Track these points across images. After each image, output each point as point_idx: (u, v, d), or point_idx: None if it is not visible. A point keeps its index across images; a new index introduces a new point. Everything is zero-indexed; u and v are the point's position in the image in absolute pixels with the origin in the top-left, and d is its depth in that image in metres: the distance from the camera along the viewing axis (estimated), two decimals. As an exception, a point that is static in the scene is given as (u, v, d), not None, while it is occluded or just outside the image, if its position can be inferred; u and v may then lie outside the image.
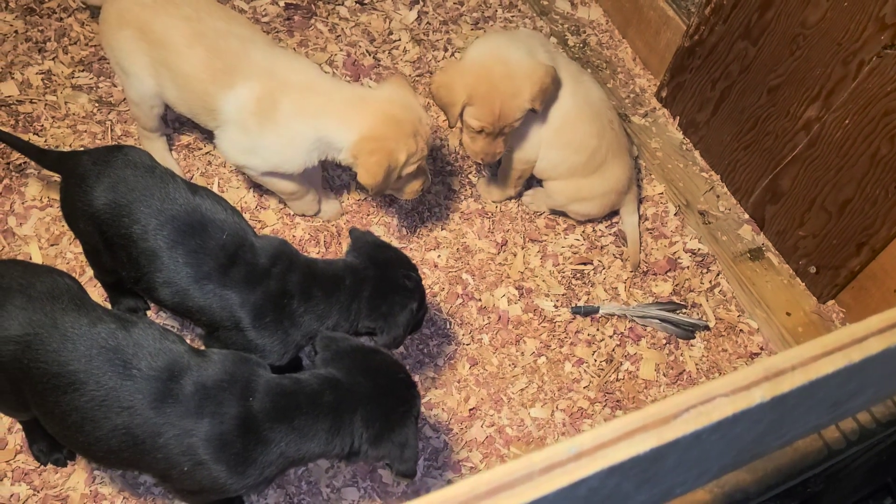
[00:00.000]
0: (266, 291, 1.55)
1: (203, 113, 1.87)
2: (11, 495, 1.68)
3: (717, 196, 2.40)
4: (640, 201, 2.35)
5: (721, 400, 0.75)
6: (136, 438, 1.32)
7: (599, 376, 2.03)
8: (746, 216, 2.37)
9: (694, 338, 2.14)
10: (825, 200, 2.11)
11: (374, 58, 2.50)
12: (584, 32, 2.74)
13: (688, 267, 2.26)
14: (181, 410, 1.32)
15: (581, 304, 2.13)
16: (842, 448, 1.24)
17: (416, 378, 1.94)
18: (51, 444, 1.70)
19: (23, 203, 2.03)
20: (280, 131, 1.82)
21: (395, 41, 2.56)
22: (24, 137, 2.12)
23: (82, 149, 2.11)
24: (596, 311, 2.11)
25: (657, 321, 2.11)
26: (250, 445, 1.33)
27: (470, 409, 1.93)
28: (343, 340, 1.47)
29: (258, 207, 2.13)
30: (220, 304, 1.54)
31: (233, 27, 1.84)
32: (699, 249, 2.29)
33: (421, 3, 2.67)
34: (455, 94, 1.93)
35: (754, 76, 2.22)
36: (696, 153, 2.49)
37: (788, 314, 2.19)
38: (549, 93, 1.99)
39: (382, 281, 1.60)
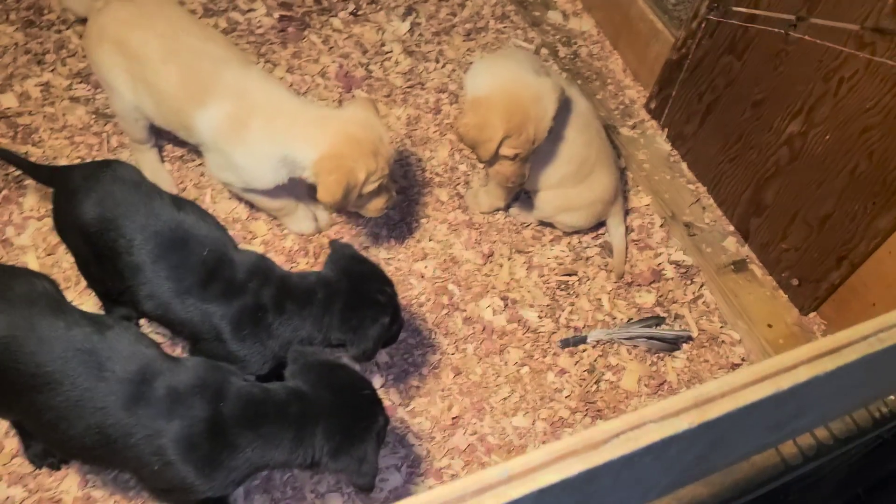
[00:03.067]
0: (243, 305, 1.61)
1: (180, 129, 1.95)
2: (7, 497, 1.73)
3: (703, 208, 2.43)
4: (627, 213, 2.39)
5: (651, 426, 0.79)
6: (108, 438, 1.38)
7: (581, 386, 2.07)
8: (731, 228, 2.40)
9: (680, 349, 2.17)
10: (807, 214, 2.14)
11: (366, 69, 2.55)
12: (576, 43, 2.78)
13: (672, 278, 2.30)
14: (152, 412, 1.38)
15: (569, 335, 2.15)
16: (798, 463, 1.27)
17: (401, 386, 1.99)
18: (45, 449, 1.76)
19: (21, 213, 2.08)
20: (249, 151, 1.89)
21: (387, 52, 2.60)
22: (24, 149, 2.19)
23: (79, 160, 2.18)
24: (584, 340, 2.14)
25: (643, 339, 2.15)
26: (218, 449, 1.39)
27: (453, 418, 1.97)
28: (311, 355, 1.53)
29: (249, 219, 2.19)
30: (201, 317, 1.60)
31: (207, 46, 1.90)
32: (683, 261, 2.33)
33: (414, 14, 2.72)
34: (492, 131, 1.93)
35: (739, 90, 2.26)
36: (684, 165, 2.52)
37: (770, 326, 2.22)
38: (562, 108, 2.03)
39: (355, 295, 1.65)
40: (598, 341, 2.14)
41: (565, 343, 2.13)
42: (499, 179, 2.09)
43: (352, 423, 1.46)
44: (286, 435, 1.43)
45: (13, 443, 1.79)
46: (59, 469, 1.77)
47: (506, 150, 1.98)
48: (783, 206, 2.22)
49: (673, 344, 2.15)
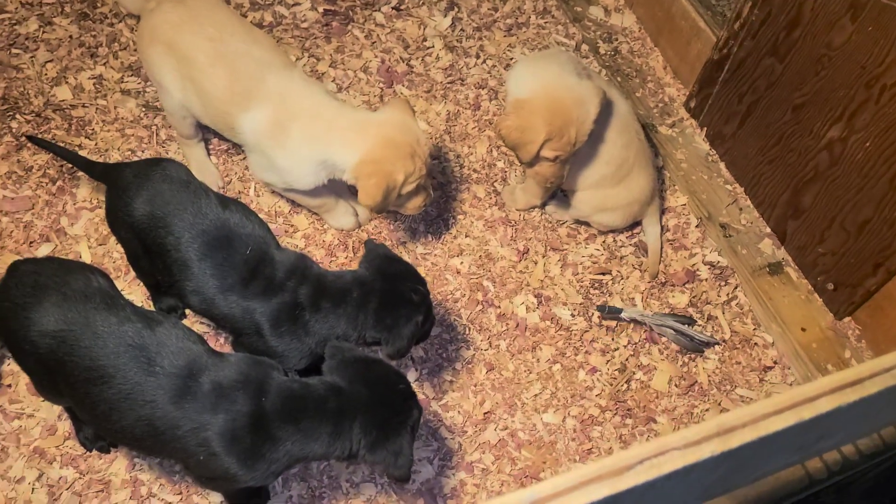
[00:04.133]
0: (281, 303, 1.67)
1: (225, 129, 2.01)
2: (60, 478, 1.83)
3: (740, 209, 2.43)
4: (663, 212, 2.40)
5: (674, 453, 0.82)
6: (156, 429, 1.46)
7: (612, 385, 2.10)
8: (768, 230, 2.40)
9: (702, 353, 2.19)
10: (845, 219, 2.14)
11: (407, 64, 2.58)
12: (616, 40, 2.77)
13: (706, 279, 2.31)
14: (198, 406, 1.45)
15: (607, 304, 2.21)
16: (823, 478, 1.30)
17: (434, 381, 2.05)
18: (96, 433, 1.85)
19: (74, 204, 2.17)
20: (290, 154, 1.95)
21: (428, 48, 2.63)
22: (77, 141, 2.27)
23: (129, 152, 2.26)
24: (619, 313, 2.18)
25: (672, 332, 2.17)
26: (259, 442, 1.46)
27: (484, 413, 2.02)
28: (349, 350, 1.58)
29: (291, 213, 2.25)
30: (242, 313, 1.67)
31: (252, 49, 1.96)
32: (718, 262, 2.34)
33: (455, 9, 2.74)
34: (534, 134, 1.96)
35: (780, 93, 2.25)
36: (722, 165, 2.52)
37: (804, 329, 2.23)
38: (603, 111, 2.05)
39: (389, 294, 1.70)
40: (631, 319, 2.18)
41: (601, 309, 2.18)
42: (538, 180, 2.12)
43: (387, 418, 1.52)
44: (324, 429, 1.49)
45: (66, 426, 1.88)
46: (108, 452, 1.86)
47: (547, 153, 2.00)
48: (821, 210, 2.21)
49: (698, 346, 2.17)
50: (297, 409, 1.49)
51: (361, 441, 1.51)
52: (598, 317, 2.19)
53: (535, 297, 2.21)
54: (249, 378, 1.50)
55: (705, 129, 2.58)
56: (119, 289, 1.94)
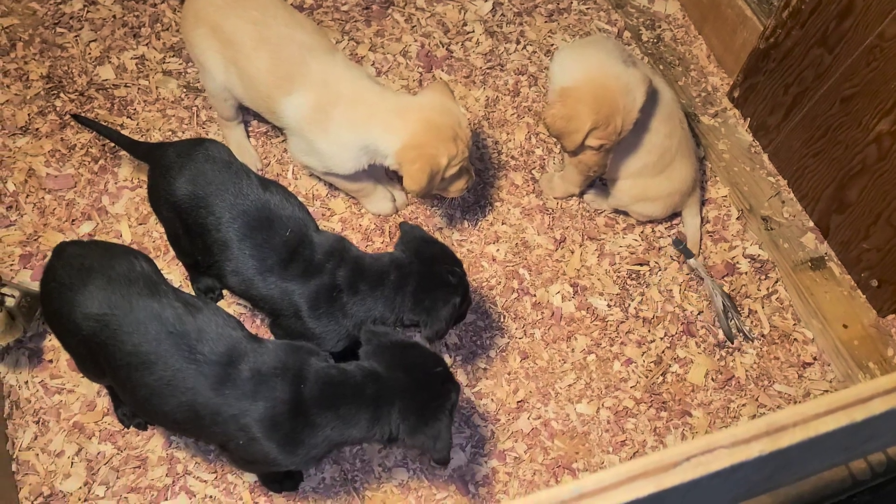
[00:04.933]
0: (319, 285, 1.68)
1: (266, 112, 2.02)
2: (98, 453, 1.86)
3: (783, 202, 2.38)
4: (703, 203, 2.37)
5: (721, 451, 0.81)
6: (197, 414, 1.47)
7: (647, 377, 2.09)
8: (811, 224, 2.35)
9: (731, 342, 2.16)
10: (891, 215, 2.09)
11: (447, 49, 2.56)
12: (660, 27, 2.73)
13: (746, 272, 2.27)
14: (238, 393, 1.46)
15: (682, 242, 2.27)
16: (867, 478, 1.27)
17: (468, 368, 2.04)
18: (133, 410, 1.88)
19: (115, 183, 2.19)
20: (331, 139, 1.95)
21: (468, 33, 2.61)
22: (119, 120, 2.29)
23: (170, 132, 2.27)
24: (690, 257, 2.23)
25: (720, 304, 2.15)
26: (299, 427, 1.47)
27: (518, 402, 2.02)
28: (384, 335, 1.58)
29: (329, 196, 2.25)
30: (281, 294, 1.68)
31: (295, 33, 1.95)
32: (759, 255, 2.30)
33: (497, -7, 2.71)
34: (580, 122, 1.94)
35: (828, 84, 2.19)
36: (765, 157, 2.47)
37: (845, 326, 2.19)
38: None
39: (427, 276, 1.70)
40: (694, 269, 2.23)
41: (677, 244, 2.24)
42: (580, 168, 2.10)
43: (426, 402, 1.52)
44: (363, 415, 1.50)
45: (104, 402, 1.91)
46: (146, 429, 1.89)
47: (592, 142, 1.98)
48: (867, 205, 2.16)
49: (731, 332, 2.15)
50: (336, 396, 1.50)
51: (400, 426, 1.52)
52: (670, 247, 2.26)
53: (571, 286, 2.20)
54: (288, 365, 1.50)
55: (749, 119, 2.53)
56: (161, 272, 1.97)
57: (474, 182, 2.10)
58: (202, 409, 1.46)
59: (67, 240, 1.92)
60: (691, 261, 2.20)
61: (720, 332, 2.17)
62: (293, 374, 1.48)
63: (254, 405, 1.45)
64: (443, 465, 1.60)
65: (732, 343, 2.16)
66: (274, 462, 1.49)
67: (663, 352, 2.13)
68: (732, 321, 2.16)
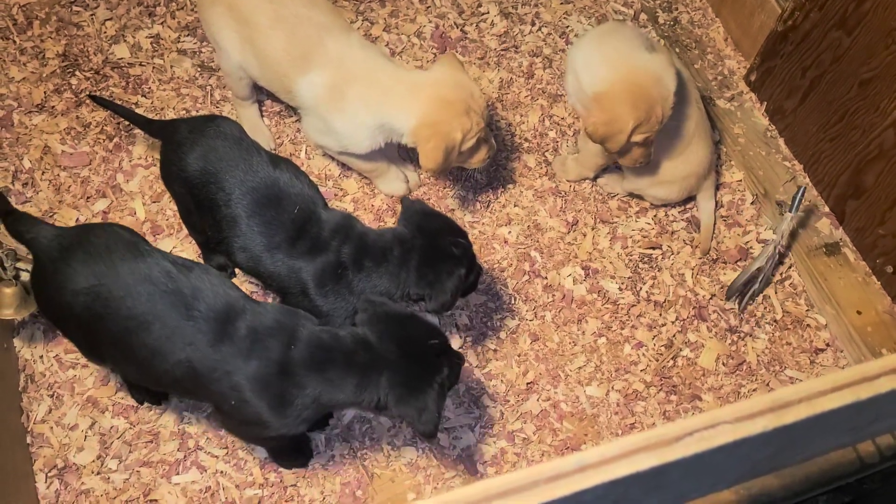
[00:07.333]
0: (325, 262, 1.69)
1: (282, 92, 2.02)
2: (111, 427, 1.89)
3: (798, 187, 2.36)
4: (718, 187, 2.35)
5: (724, 426, 0.81)
6: (195, 371, 1.49)
7: (657, 361, 2.08)
8: (826, 209, 2.33)
9: (730, 300, 2.17)
10: (908, 201, 2.07)
11: (461, 30, 2.55)
12: (677, 9, 2.70)
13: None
14: (234, 350, 1.48)
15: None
16: (875, 461, 1.27)
17: (478, 349, 2.05)
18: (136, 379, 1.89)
19: (130, 161, 2.21)
20: (346, 118, 1.95)
21: (483, 14, 2.60)
22: (134, 99, 2.30)
23: (184, 111, 2.28)
24: (792, 211, 2.09)
25: (755, 268, 2.13)
26: (287, 388, 1.49)
27: (527, 383, 2.02)
28: (381, 305, 1.59)
29: (341, 176, 2.25)
30: (288, 272, 1.70)
31: (312, 12, 1.95)
32: (773, 240, 2.28)
33: (512, -26, 2.69)
34: (622, 124, 1.92)
35: (846, 67, 2.17)
36: (781, 141, 2.45)
37: (859, 312, 2.17)
38: None
39: (430, 249, 1.70)
40: (780, 225, 2.13)
41: (780, 205, 2.29)
42: (629, 163, 2.08)
43: (415, 374, 1.53)
44: (351, 380, 1.52)
45: (118, 378, 1.93)
46: (159, 404, 1.91)
47: (637, 137, 1.96)
48: (884, 190, 2.14)
49: (746, 298, 2.16)
50: (325, 360, 1.52)
51: (388, 395, 1.53)
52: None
53: (583, 269, 2.19)
54: (283, 326, 1.53)
55: (765, 103, 2.50)
56: (171, 246, 1.98)
57: (495, 151, 2.08)
58: (200, 365, 1.48)
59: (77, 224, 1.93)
60: (788, 214, 2.09)
61: (731, 316, 2.16)
62: (287, 336, 1.50)
63: (246, 364, 1.47)
64: (428, 439, 1.62)
65: (730, 301, 2.17)
66: (265, 423, 1.51)
67: (674, 335, 2.12)
68: (749, 292, 2.14)
